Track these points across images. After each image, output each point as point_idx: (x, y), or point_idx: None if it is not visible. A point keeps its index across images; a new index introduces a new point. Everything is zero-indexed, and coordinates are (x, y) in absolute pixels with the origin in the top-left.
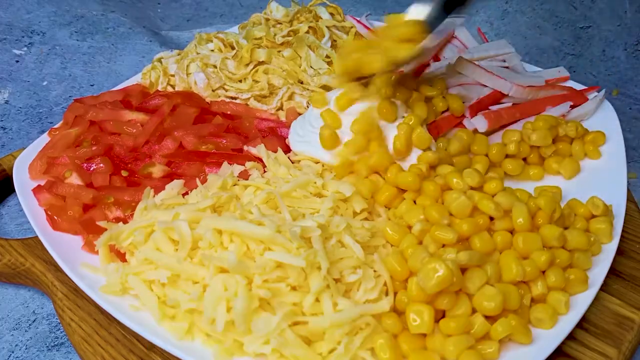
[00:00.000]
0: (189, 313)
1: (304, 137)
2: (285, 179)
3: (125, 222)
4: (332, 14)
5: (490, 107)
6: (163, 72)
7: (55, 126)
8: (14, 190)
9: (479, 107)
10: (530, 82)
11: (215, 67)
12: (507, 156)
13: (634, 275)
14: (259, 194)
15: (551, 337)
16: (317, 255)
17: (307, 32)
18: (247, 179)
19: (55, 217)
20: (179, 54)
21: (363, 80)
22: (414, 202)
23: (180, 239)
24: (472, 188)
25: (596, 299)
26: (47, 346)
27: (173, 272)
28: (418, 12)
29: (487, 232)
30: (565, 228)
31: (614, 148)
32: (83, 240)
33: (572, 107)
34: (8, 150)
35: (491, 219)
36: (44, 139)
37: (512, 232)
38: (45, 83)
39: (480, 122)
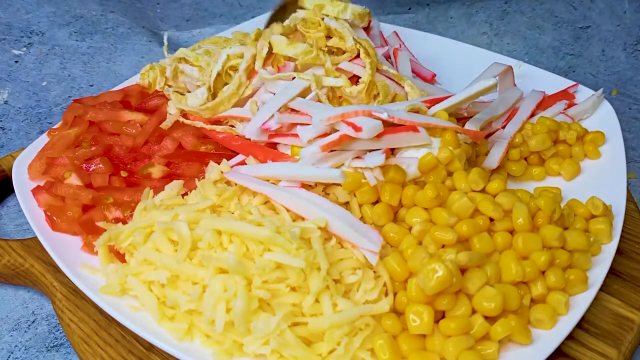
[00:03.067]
0: (188, 314)
1: None
2: None
3: (124, 222)
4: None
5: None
6: (160, 72)
7: (55, 127)
8: (13, 191)
9: None
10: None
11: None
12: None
13: (634, 275)
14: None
15: (551, 337)
16: (316, 256)
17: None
18: None
19: (55, 218)
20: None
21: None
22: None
23: (180, 239)
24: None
25: (596, 299)
26: (46, 347)
27: (172, 272)
28: None
29: (488, 232)
30: (565, 228)
31: (614, 148)
32: (82, 240)
33: (569, 105)
34: (7, 151)
35: (492, 219)
36: (43, 139)
37: (512, 232)
38: (44, 83)
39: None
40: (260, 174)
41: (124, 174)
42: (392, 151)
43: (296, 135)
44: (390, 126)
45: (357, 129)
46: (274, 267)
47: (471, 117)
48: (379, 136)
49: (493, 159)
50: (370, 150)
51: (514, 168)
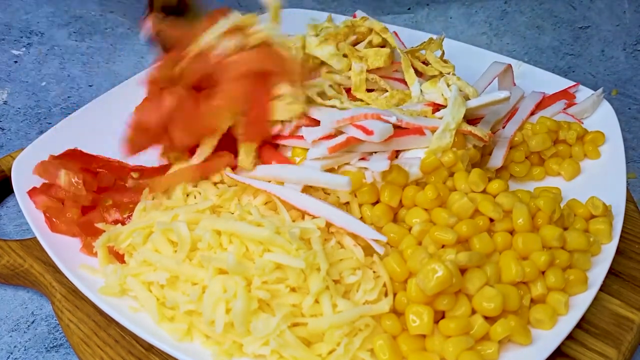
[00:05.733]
0: (188, 314)
1: None
2: None
3: (123, 224)
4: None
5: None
6: None
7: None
8: (13, 191)
9: None
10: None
11: None
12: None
13: (634, 275)
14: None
15: (551, 337)
16: (316, 257)
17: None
18: None
19: (54, 219)
20: None
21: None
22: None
23: (179, 240)
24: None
25: (596, 299)
26: (45, 347)
27: (172, 273)
28: None
29: (488, 232)
30: (565, 229)
31: (613, 148)
32: (81, 242)
33: (568, 105)
34: (7, 151)
35: (492, 219)
36: (43, 139)
37: (512, 232)
38: (44, 83)
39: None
40: (264, 175)
41: None
42: (396, 154)
43: (300, 137)
44: (396, 128)
45: (368, 132)
46: (273, 267)
47: (475, 119)
48: (387, 139)
49: (497, 159)
50: (376, 152)
51: (518, 169)
